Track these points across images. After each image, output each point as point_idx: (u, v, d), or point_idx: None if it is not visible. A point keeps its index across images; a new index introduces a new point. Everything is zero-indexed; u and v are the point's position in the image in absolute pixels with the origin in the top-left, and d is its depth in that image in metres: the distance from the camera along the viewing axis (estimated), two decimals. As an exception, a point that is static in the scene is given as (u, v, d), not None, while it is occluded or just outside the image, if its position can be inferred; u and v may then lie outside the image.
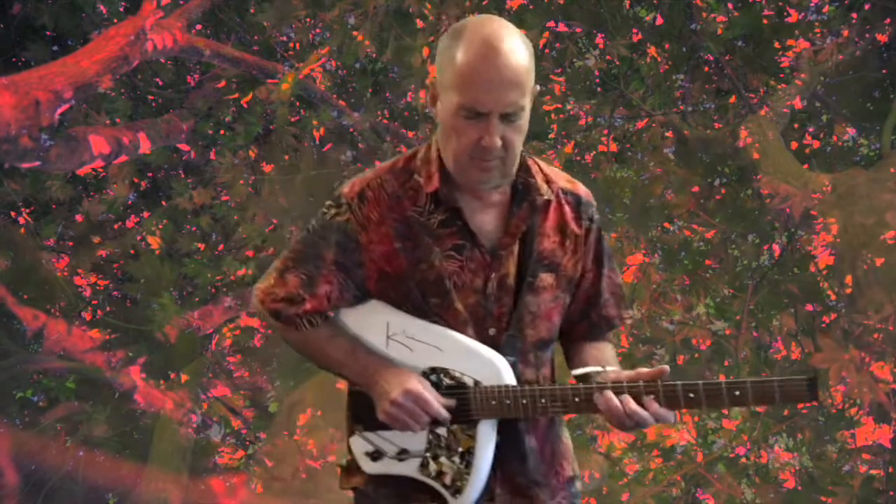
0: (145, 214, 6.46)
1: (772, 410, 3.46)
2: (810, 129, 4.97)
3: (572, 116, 5.56)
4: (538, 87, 1.67)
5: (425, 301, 1.68)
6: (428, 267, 1.67)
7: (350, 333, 1.75)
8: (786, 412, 3.41)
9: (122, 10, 6.15)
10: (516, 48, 1.58)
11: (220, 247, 6.32)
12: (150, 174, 6.54)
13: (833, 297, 3.31)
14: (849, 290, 3.08)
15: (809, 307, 3.31)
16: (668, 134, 5.52)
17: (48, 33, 5.94)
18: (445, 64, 1.60)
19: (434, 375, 1.68)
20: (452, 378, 1.68)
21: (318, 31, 5.66)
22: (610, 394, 1.59)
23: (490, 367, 1.66)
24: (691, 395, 1.58)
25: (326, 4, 5.27)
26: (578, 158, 5.61)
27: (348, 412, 1.80)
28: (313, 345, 1.78)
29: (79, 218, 6.13)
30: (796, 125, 4.87)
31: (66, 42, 6.06)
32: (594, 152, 5.50)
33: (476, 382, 1.67)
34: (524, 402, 1.64)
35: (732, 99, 5.17)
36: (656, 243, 3.48)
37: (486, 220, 1.71)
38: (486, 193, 1.69)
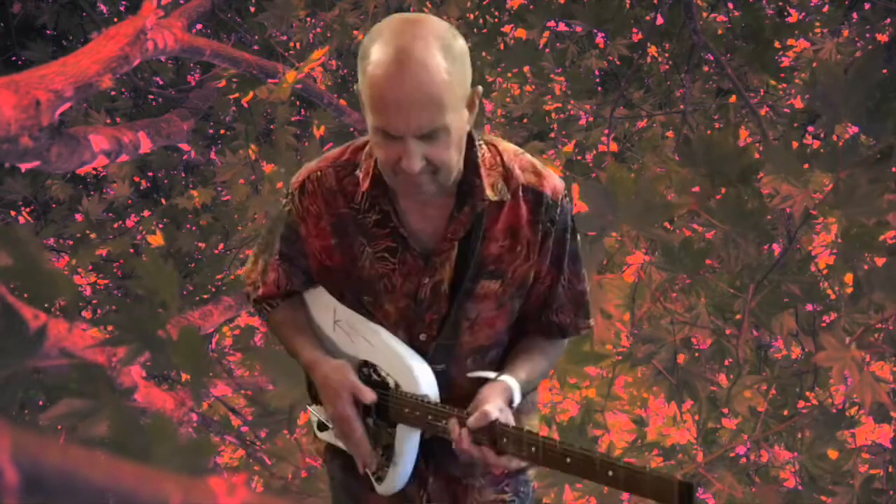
0: (145, 213, 6.47)
1: (771, 410, 3.46)
2: (810, 129, 4.97)
3: (572, 116, 5.56)
4: (480, 89, 1.52)
5: (359, 298, 1.66)
6: (361, 267, 1.63)
7: (299, 320, 1.77)
8: (786, 412, 3.41)
9: (122, 9, 6.16)
10: (429, 61, 1.36)
11: (221, 246, 6.32)
12: (150, 173, 6.55)
13: (833, 296, 3.31)
14: (850, 290, 3.08)
15: (810, 307, 3.30)
16: (669, 134, 5.53)
17: (48, 33, 5.94)
18: (360, 73, 1.42)
19: (366, 369, 1.68)
20: (379, 375, 1.66)
21: (318, 31, 5.66)
22: (456, 427, 1.51)
23: (408, 374, 1.61)
24: (568, 459, 1.38)
25: (326, 4, 5.27)
26: (579, 158, 5.61)
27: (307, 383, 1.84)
28: (274, 329, 1.82)
29: (79, 217, 6.13)
30: (796, 125, 4.88)
31: (66, 42, 6.06)
32: (594, 152, 5.50)
33: (397, 386, 1.63)
34: (429, 417, 1.57)
35: (733, 99, 5.18)
36: (657, 243, 3.47)
37: (423, 223, 1.60)
38: (427, 197, 1.56)
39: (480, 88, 1.51)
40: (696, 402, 3.46)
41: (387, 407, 1.65)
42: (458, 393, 1.62)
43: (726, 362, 3.62)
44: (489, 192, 1.56)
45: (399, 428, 1.65)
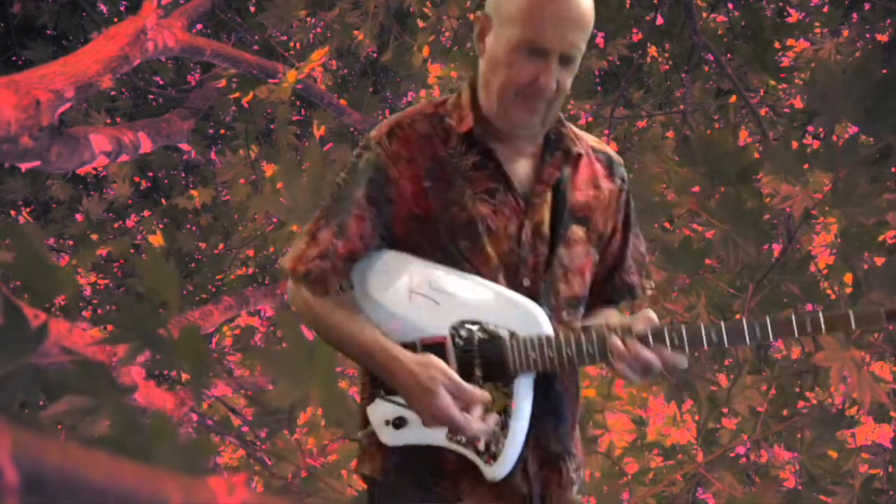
0: (146, 213, 6.48)
1: (771, 410, 3.46)
2: (810, 129, 4.97)
3: (572, 116, 5.56)
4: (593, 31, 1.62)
5: (455, 245, 1.56)
6: (459, 209, 1.57)
7: (364, 321, 1.58)
8: (785, 412, 3.41)
9: (122, 9, 6.16)
10: None
11: (221, 246, 6.32)
12: (150, 173, 6.56)
13: (833, 296, 3.31)
14: (849, 290, 3.09)
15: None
16: (669, 134, 5.53)
17: (48, 33, 5.95)
18: None
19: (464, 330, 1.54)
20: (485, 331, 1.53)
21: (318, 31, 5.67)
22: (615, 338, 1.50)
23: (527, 315, 1.53)
24: (759, 329, 1.49)
25: (326, 4, 5.27)
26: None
27: (366, 378, 1.64)
28: (330, 329, 1.62)
29: (79, 217, 6.14)
30: (796, 125, 4.88)
31: (66, 42, 6.07)
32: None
33: (512, 334, 1.52)
34: (569, 351, 1.52)
35: (733, 99, 5.18)
36: (656, 242, 3.48)
37: (518, 168, 1.64)
38: (520, 142, 1.64)
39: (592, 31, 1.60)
40: (696, 402, 3.46)
41: (503, 363, 1.53)
42: None
43: (726, 362, 3.62)
44: (576, 140, 1.68)
45: (517, 382, 1.53)
